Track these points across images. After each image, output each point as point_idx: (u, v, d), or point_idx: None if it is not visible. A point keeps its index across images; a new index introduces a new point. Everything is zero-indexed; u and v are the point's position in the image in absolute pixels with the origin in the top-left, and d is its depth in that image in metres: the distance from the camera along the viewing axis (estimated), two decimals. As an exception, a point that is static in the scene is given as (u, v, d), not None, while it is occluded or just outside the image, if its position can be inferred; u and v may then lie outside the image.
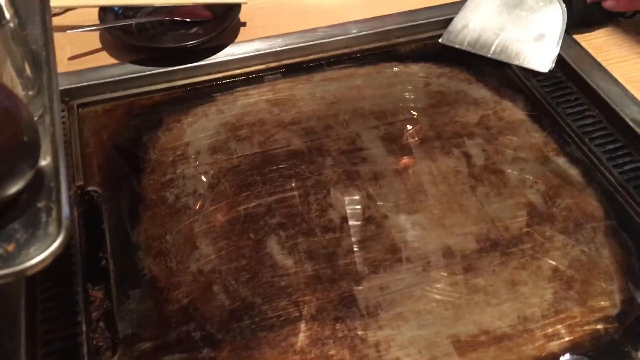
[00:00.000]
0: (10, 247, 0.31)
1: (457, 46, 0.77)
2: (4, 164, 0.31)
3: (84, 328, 0.51)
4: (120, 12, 0.75)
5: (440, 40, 0.78)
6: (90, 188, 0.62)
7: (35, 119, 0.35)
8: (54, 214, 0.31)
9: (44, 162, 0.34)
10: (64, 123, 0.67)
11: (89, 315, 0.52)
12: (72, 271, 0.55)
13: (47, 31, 0.42)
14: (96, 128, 0.68)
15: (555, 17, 0.76)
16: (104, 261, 0.56)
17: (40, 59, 0.41)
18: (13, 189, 0.32)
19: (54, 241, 0.30)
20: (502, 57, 0.75)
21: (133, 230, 0.59)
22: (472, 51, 0.76)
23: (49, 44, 0.41)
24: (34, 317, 0.51)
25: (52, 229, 0.31)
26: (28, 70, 0.38)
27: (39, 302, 0.53)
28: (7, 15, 0.39)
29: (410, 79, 0.75)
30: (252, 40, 0.76)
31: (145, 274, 0.55)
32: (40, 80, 0.38)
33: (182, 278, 0.55)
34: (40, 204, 0.33)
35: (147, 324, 0.52)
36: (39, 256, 0.30)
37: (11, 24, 0.39)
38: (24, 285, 0.52)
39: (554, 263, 0.56)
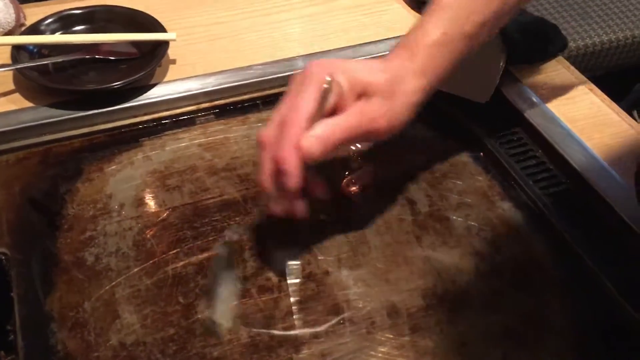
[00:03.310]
0: None
1: None
2: None
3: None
4: (35, 51, 0.69)
5: None
6: (-3, 251, 0.55)
7: None
8: None
9: None
10: (-32, 176, 0.60)
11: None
12: (-27, 351, 0.48)
13: None
14: (7, 180, 0.61)
15: (495, 53, 0.75)
16: (12, 335, 0.50)
17: None
18: None
19: None
20: (441, 86, 0.73)
21: (46, 298, 0.53)
22: None
23: None
24: None
25: None
26: None
27: None
28: None
29: (351, 119, 0.71)
30: (182, 79, 0.71)
31: (59, 351, 0.49)
32: None
33: (101, 353, 0.49)
34: None
35: (59, 411, 0.46)
36: None
37: None
38: None
39: (503, 319, 0.53)
